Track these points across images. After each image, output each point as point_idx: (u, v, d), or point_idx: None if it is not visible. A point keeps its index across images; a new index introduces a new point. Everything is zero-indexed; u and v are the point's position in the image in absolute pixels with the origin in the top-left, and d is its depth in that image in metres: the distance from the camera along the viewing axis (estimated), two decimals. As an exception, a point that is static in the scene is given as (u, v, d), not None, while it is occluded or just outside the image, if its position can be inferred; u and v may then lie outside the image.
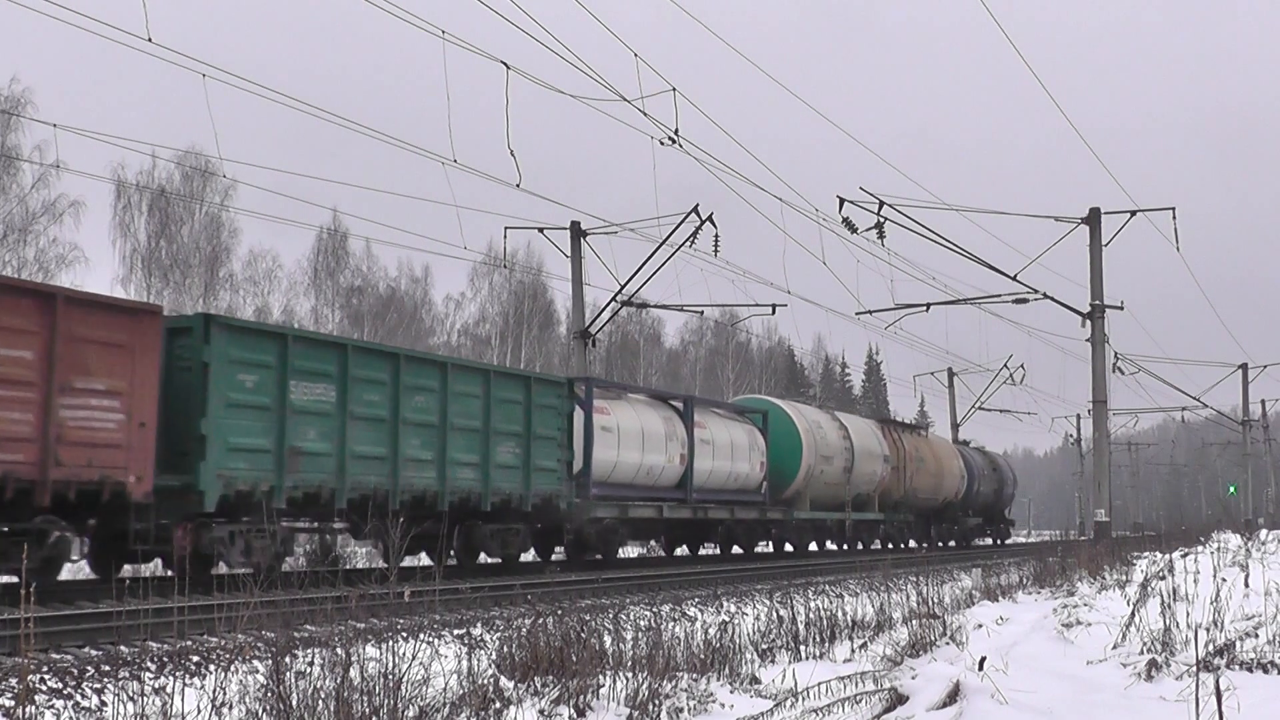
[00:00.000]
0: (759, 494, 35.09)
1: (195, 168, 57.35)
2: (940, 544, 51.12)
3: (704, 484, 31.89)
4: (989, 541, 60.74)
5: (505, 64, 25.32)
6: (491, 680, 10.36)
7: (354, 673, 8.56)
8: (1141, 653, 12.81)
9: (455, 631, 14.67)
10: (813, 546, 43.98)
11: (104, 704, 9.85)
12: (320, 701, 8.45)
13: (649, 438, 29.79)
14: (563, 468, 26.17)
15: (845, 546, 43.18)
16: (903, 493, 44.99)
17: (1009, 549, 52.61)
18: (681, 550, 36.97)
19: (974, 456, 56.55)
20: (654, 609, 18.42)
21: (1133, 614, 14.61)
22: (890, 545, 45.83)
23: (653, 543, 37.98)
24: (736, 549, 36.84)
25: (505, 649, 11.85)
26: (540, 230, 40.53)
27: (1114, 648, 13.55)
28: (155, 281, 57.83)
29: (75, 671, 10.66)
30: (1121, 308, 42.29)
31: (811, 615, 15.86)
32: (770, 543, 39.30)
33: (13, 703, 9.19)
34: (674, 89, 29.19)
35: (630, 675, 10.76)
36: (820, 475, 38.13)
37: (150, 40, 20.57)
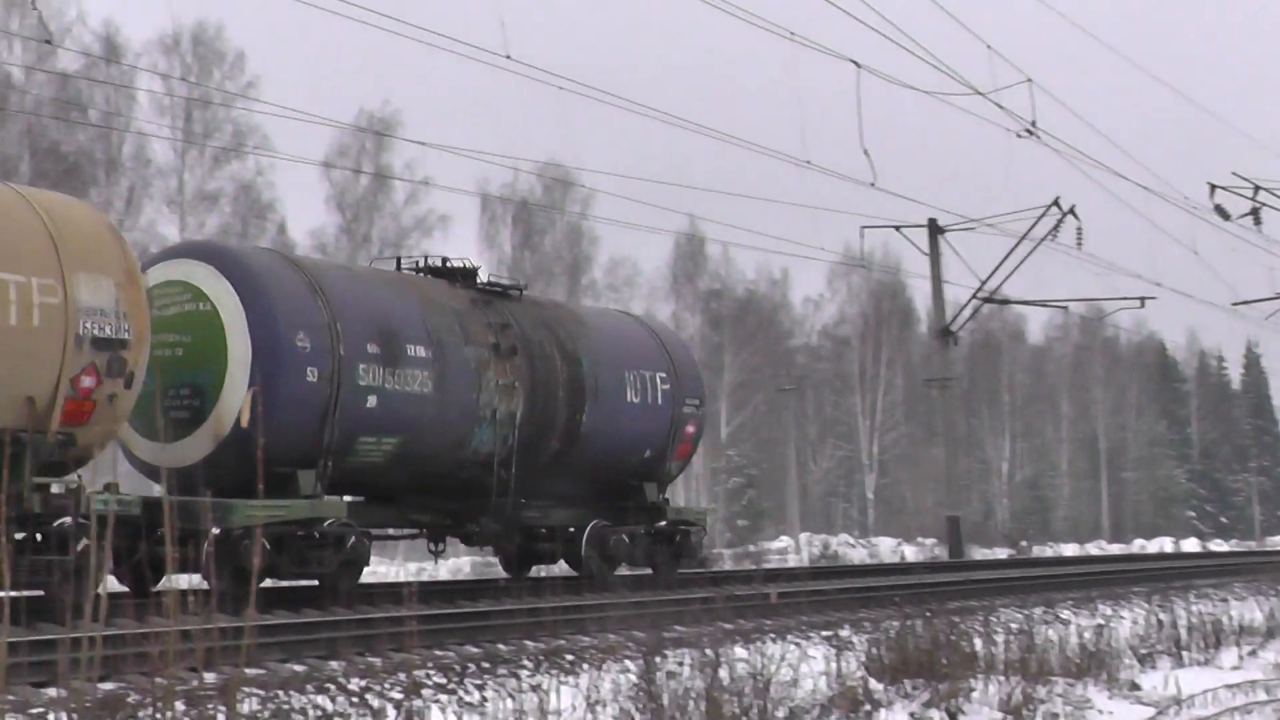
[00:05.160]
0: None
1: (555, 179, 59.01)
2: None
3: None
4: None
5: (855, 62, 25.18)
6: (861, 682, 10.29)
7: (723, 673, 8.62)
8: None
9: (823, 633, 14.62)
10: None
11: (485, 699, 10.17)
12: (691, 701, 8.54)
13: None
14: None
15: None
16: None
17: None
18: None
19: (431, 297, 17.06)
20: (1025, 611, 17.95)
21: None
22: None
23: None
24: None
25: (873, 650, 11.75)
26: (897, 229, 40.16)
27: None
28: (522, 291, 59.63)
29: (457, 668, 11.06)
30: None
31: (1194, 619, 15.18)
32: None
33: (401, 695, 9.60)
34: (1029, 80, 28.53)
35: (1002, 679, 10.52)
36: None
37: (509, 58, 21.31)
